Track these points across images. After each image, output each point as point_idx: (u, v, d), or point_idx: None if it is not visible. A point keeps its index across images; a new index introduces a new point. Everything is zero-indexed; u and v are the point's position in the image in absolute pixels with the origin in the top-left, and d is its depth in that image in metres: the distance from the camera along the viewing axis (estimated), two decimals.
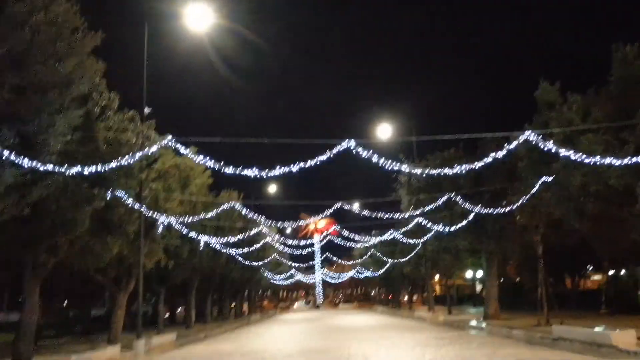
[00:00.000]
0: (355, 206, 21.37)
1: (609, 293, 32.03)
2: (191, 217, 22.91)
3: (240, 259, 39.26)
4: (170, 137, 14.49)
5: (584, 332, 16.25)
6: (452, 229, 26.53)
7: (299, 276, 78.78)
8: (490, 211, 25.52)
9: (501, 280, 56.43)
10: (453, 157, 28.43)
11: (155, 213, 21.46)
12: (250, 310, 67.25)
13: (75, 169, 12.80)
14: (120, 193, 17.62)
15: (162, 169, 23.31)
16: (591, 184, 15.63)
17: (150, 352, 21.03)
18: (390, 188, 33.66)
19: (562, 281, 46.40)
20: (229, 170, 13.85)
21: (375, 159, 13.61)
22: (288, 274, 68.43)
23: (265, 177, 13.78)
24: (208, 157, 14.08)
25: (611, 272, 51.74)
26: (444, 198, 23.72)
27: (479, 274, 65.91)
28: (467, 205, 26.55)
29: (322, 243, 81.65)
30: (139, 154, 15.10)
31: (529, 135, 14.51)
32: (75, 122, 12.61)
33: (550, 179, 17.96)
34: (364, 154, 13.34)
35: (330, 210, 20.84)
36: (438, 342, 18.73)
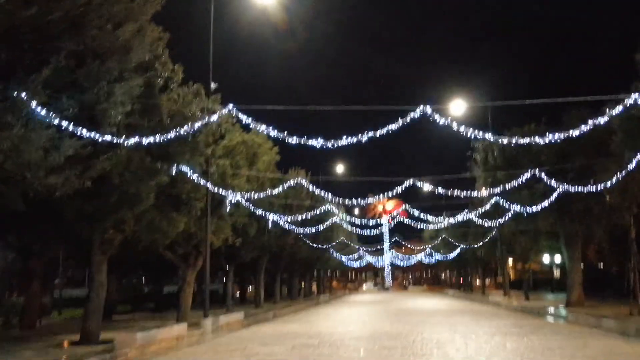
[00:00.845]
0: (426, 186, 20.01)
1: None
2: (259, 194, 22.33)
3: (308, 241, 38.82)
4: (231, 105, 13.80)
5: None
6: (533, 209, 24.69)
7: (368, 257, 77.96)
8: (575, 190, 23.61)
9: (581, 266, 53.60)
10: (534, 132, 26.45)
11: (222, 190, 21.08)
12: (319, 290, 67.16)
13: (133, 140, 12.33)
14: (185, 168, 17.25)
15: (229, 145, 22.90)
16: None
17: (218, 331, 20.80)
18: (464, 166, 32.01)
19: None
20: (293, 140, 13.02)
21: (453, 126, 12.34)
22: (357, 255, 67.72)
23: (332, 147, 12.82)
24: (271, 127, 13.22)
25: None
26: (527, 175, 21.93)
27: (557, 258, 63.10)
28: (551, 183, 24.73)
29: (391, 225, 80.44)
30: (198, 124, 14.47)
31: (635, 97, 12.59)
32: (135, 92, 12.12)
33: None
34: (441, 121, 12.13)
35: (401, 188, 19.67)
36: (519, 331, 17.37)
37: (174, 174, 17.21)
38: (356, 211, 58.16)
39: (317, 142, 12.99)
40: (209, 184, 19.39)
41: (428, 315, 26.61)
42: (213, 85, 19.98)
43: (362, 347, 14.13)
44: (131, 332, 15.31)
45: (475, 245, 43.38)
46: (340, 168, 46.68)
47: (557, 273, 70.84)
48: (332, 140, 12.83)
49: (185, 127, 13.83)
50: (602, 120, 14.89)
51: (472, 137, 13.03)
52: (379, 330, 18.67)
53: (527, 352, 12.53)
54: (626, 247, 37.12)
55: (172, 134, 13.19)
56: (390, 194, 19.92)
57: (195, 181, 18.59)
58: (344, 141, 12.69)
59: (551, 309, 26.68)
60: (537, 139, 16.83)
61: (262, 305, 36.28)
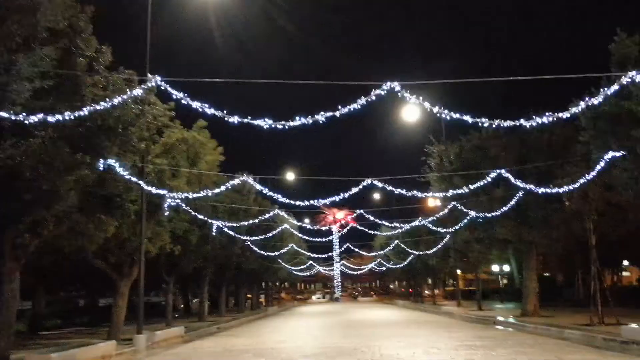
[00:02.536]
0: (384, 187, 18.57)
1: None
2: (200, 194, 20.32)
3: (256, 248, 36.85)
4: (158, 77, 11.94)
5: None
6: (493, 214, 23.66)
7: (318, 268, 76.37)
8: (537, 191, 22.73)
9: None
10: (491, 137, 25.57)
11: (160, 192, 19.05)
12: (267, 302, 65.02)
13: (36, 117, 10.29)
14: (115, 165, 15.22)
15: (167, 142, 20.91)
16: None
17: (153, 348, 18.70)
18: (419, 171, 30.82)
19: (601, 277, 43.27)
20: (234, 119, 11.23)
21: (422, 103, 10.86)
22: (306, 265, 65.98)
23: (283, 127, 11.02)
24: (207, 105, 11.29)
25: None
26: (486, 179, 20.83)
27: (505, 268, 63.22)
28: (515, 182, 23.83)
29: (340, 233, 79.15)
30: (118, 99, 12.52)
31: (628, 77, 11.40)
32: (45, 65, 10.15)
33: (619, 154, 15.08)
34: (408, 96, 10.63)
35: (355, 189, 18.12)
36: (483, 343, 16.04)
37: (101, 169, 15.17)
38: (306, 220, 56.65)
39: (263, 123, 11.20)
40: (143, 184, 17.34)
41: (382, 327, 25.14)
42: (151, 77, 18.00)
43: None
44: (44, 354, 13.09)
45: (428, 252, 42.34)
46: (290, 175, 45.01)
47: (503, 282, 71.27)
48: (283, 122, 11.04)
49: (104, 104, 11.68)
50: (566, 114, 13.70)
51: (438, 116, 11.46)
52: (332, 345, 17.01)
53: None
54: (574, 256, 37.19)
55: (81, 112, 11.02)
56: (346, 194, 18.34)
57: (128, 180, 16.57)
58: (297, 122, 10.95)
59: (509, 319, 25.71)
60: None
61: (206, 318, 34.06)
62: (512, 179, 19.79)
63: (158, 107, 16.94)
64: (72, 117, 11.05)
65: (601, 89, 12.53)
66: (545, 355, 13.03)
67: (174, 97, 11.61)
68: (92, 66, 13.71)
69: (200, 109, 11.24)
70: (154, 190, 18.20)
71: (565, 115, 12.83)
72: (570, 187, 18.50)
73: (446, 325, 24.67)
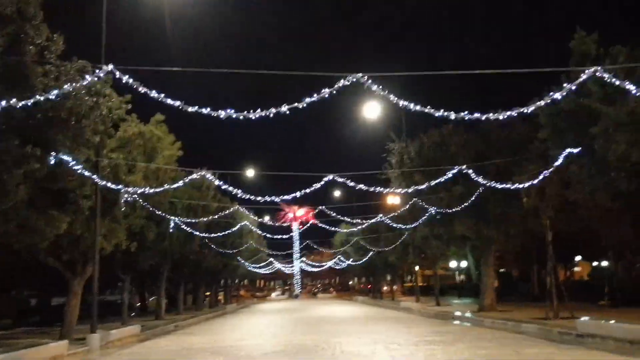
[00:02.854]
0: (345, 183, 18.43)
1: (612, 284, 29.82)
2: (157, 189, 19.76)
3: (214, 246, 36.31)
4: (111, 65, 11.47)
5: (618, 327, 13.80)
6: (453, 210, 23.87)
7: (278, 265, 76.08)
8: (494, 192, 23.05)
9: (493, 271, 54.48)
10: (452, 134, 25.80)
11: (115, 187, 18.45)
12: (226, 300, 64.32)
13: None
14: (67, 159, 14.64)
15: (123, 137, 20.32)
16: (634, 154, 13.03)
17: (107, 347, 18.14)
18: (380, 168, 30.88)
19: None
20: (192, 108, 10.84)
21: (386, 95, 10.68)
22: (266, 262, 65.63)
23: (245, 118, 10.64)
24: (163, 95, 10.86)
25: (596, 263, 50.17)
26: (446, 176, 20.98)
27: (462, 264, 64.29)
28: (477, 179, 24.11)
29: (300, 230, 79.13)
30: (68, 87, 12.00)
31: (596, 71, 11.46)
32: None
33: (575, 151, 15.36)
34: (375, 87, 10.46)
35: (317, 185, 17.93)
36: (443, 339, 16.13)
37: (52, 164, 14.57)
38: (266, 218, 56.24)
39: (223, 113, 10.83)
40: (97, 179, 16.76)
41: (342, 323, 25.09)
42: (106, 68, 17.39)
43: None
44: None
45: (387, 249, 42.58)
46: (250, 172, 44.51)
47: (459, 278, 72.47)
48: (244, 113, 10.66)
49: (55, 92, 11.13)
50: (525, 110, 13.77)
51: (402, 107, 11.33)
52: (293, 343, 16.82)
53: None
54: (530, 252, 37.99)
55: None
56: (307, 190, 18.11)
57: (81, 175, 15.98)
58: (257, 113, 10.61)
59: (467, 315, 26.05)
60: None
61: (163, 317, 33.37)
62: (473, 175, 19.94)
63: (113, 99, 16.37)
64: (18, 105, 10.46)
65: (562, 86, 12.65)
66: (504, 349, 13.15)
67: (129, 84, 11.10)
68: (43, 55, 13.12)
69: (157, 99, 10.79)
70: (109, 185, 17.61)
71: (524, 110, 12.91)
72: (529, 184, 18.76)
73: (405, 321, 24.80)
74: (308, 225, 60.67)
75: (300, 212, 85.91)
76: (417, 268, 63.79)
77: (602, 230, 26.08)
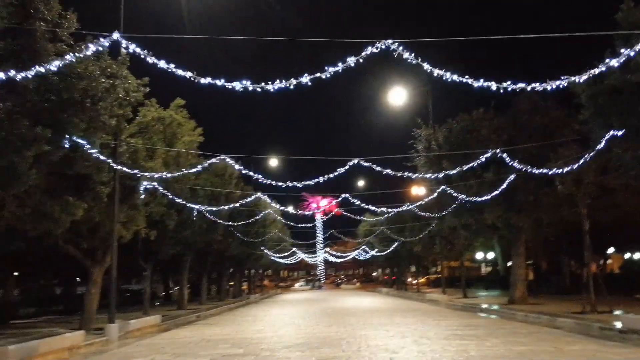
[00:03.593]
0: (371, 167, 17.54)
1: None
2: (177, 174, 19.14)
3: (238, 234, 35.80)
4: (117, 34, 10.77)
5: None
6: (484, 198, 22.85)
7: (301, 255, 75.64)
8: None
9: (509, 264, 53.10)
10: (482, 118, 24.75)
11: (134, 173, 17.94)
12: (249, 289, 64.14)
13: None
14: (82, 142, 14.12)
15: (143, 122, 19.78)
16: None
17: (126, 338, 17.69)
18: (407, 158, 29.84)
19: (583, 264, 42.75)
20: (205, 80, 10.08)
21: (419, 63, 9.69)
22: (290, 252, 65.15)
23: (260, 91, 9.92)
24: (174, 65, 10.10)
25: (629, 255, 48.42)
26: (484, 159, 19.93)
27: (489, 255, 62.99)
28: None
29: (324, 219, 78.45)
30: (70, 56, 11.36)
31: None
32: None
33: (620, 133, 14.26)
34: (407, 55, 9.54)
35: (342, 170, 17.08)
36: (475, 333, 15.27)
37: (67, 147, 14.05)
38: (290, 208, 55.64)
39: (239, 85, 10.05)
40: (114, 164, 16.22)
41: (367, 315, 24.33)
42: (123, 50, 16.80)
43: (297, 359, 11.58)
44: (0, 346, 12.00)
45: (413, 239, 41.57)
46: (273, 161, 43.85)
47: (485, 270, 71.10)
48: (262, 85, 9.85)
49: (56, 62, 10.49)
50: (581, 78, 12.55)
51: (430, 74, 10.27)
52: (316, 335, 16.13)
53: None
54: (560, 242, 36.66)
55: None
56: (332, 175, 17.30)
57: (98, 160, 15.47)
58: (278, 84, 9.75)
59: (496, 307, 25.11)
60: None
61: (185, 306, 33.04)
62: (507, 159, 18.92)
63: (130, 81, 15.77)
64: (18, 77, 9.85)
65: (607, 61, 11.59)
66: (542, 345, 12.26)
67: (137, 53, 10.40)
68: (55, 33, 12.55)
69: (167, 69, 10.04)
70: (127, 170, 17.08)
71: (576, 80, 11.72)
72: (567, 169, 17.68)
73: (432, 314, 23.94)
74: (331, 215, 60.06)
75: (324, 202, 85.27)
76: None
77: None
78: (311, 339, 14.99)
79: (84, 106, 13.74)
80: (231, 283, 58.15)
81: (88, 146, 14.26)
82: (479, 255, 64.97)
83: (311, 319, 23.39)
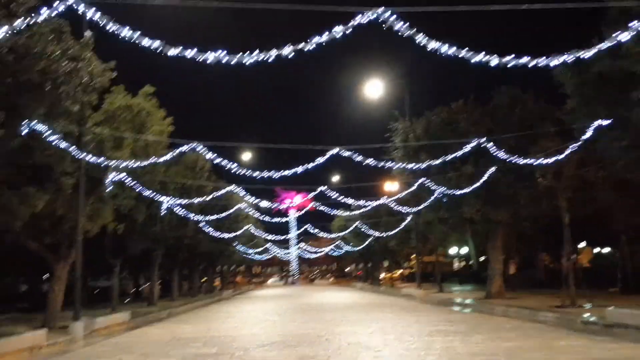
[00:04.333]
0: (350, 155, 16.80)
1: (624, 270, 28.54)
2: (145, 163, 18.14)
3: (209, 229, 34.81)
4: None
5: None
6: (462, 192, 22.45)
7: (275, 250, 74.83)
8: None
9: (481, 258, 53.24)
10: (461, 111, 24.34)
11: (100, 162, 16.95)
12: (222, 286, 63.09)
13: None
14: (41, 128, 13.15)
15: (109, 110, 18.78)
16: None
17: (92, 336, 16.75)
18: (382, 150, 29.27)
19: (557, 258, 42.92)
20: (173, 51, 9.11)
21: (413, 34, 8.94)
22: (262, 247, 64.28)
23: (240, 62, 9.00)
24: (138, 32, 9.14)
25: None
26: (465, 150, 19.45)
27: (462, 250, 63.13)
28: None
29: (297, 215, 77.67)
30: (20, 21, 10.38)
31: None
32: None
33: (606, 123, 13.88)
34: (399, 25, 8.76)
35: (321, 160, 16.35)
36: (457, 328, 14.78)
37: (24, 135, 13.08)
38: (264, 202, 54.72)
39: (212, 56, 9.10)
40: (77, 153, 15.25)
41: (344, 311, 23.74)
42: (88, 33, 15.77)
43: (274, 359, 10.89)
44: None
45: (390, 233, 41.14)
46: (247, 156, 42.92)
47: (458, 265, 71.32)
48: (240, 54, 8.96)
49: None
50: (585, 55, 11.91)
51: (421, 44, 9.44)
52: (293, 333, 15.43)
53: (488, 358, 9.81)
54: (532, 237, 36.59)
55: None
56: (309, 165, 16.55)
57: (60, 149, 14.49)
58: (256, 56, 8.84)
59: (474, 302, 24.80)
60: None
61: (156, 303, 32.02)
62: (492, 149, 18.47)
63: (94, 64, 14.78)
64: None
65: (595, 46, 11.11)
66: (530, 341, 11.79)
67: (95, 22, 9.48)
68: (9, 8, 11.56)
69: (130, 39, 9.11)
70: (92, 159, 16.11)
71: (583, 55, 11.00)
72: (553, 159, 17.31)
73: (410, 309, 23.48)
74: (305, 210, 59.43)
75: (298, 198, 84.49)
76: (414, 255, 62.99)
77: (617, 214, 24.66)
78: (288, 337, 14.30)
79: (43, 90, 12.75)
80: (203, 279, 57.06)
81: (48, 133, 13.27)
82: (452, 250, 65.11)
83: (286, 315, 22.70)
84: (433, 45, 9.08)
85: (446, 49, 9.06)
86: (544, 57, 10.36)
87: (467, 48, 9.21)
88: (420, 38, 8.94)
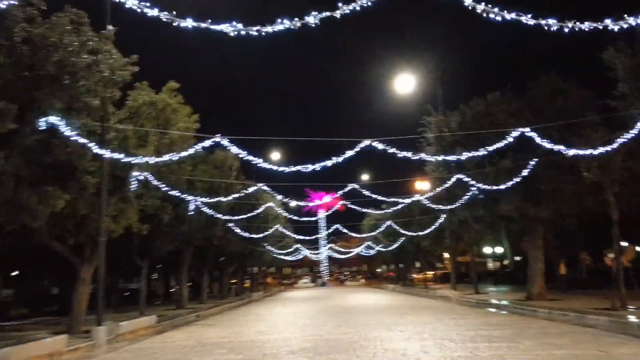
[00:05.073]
0: (383, 148, 15.71)
1: None
2: (170, 157, 17.42)
3: (238, 230, 34.18)
4: None
5: None
6: (499, 187, 21.26)
7: (304, 252, 74.07)
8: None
9: (517, 258, 51.51)
10: (498, 101, 23.13)
11: (124, 159, 16.37)
12: (252, 287, 62.62)
13: None
14: (58, 123, 12.56)
15: (133, 106, 18.22)
16: None
17: (116, 341, 16.19)
18: (415, 148, 28.12)
19: (599, 257, 41.06)
20: (185, 23, 8.27)
21: None
22: (292, 248, 63.58)
23: (259, 33, 8.18)
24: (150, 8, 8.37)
25: None
26: (502, 144, 18.32)
27: (497, 250, 61.45)
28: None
29: (327, 214, 76.76)
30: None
31: None
32: None
33: None
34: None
35: (352, 153, 15.36)
36: (501, 333, 13.70)
37: (43, 131, 12.53)
38: (292, 202, 54.01)
39: (229, 28, 8.12)
40: (99, 150, 14.67)
41: (377, 313, 22.78)
42: (110, 28, 15.21)
43: None
44: None
45: (421, 233, 39.92)
46: (275, 155, 42.21)
47: (492, 265, 69.47)
48: (258, 27, 8.05)
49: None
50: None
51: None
52: (324, 337, 14.56)
53: None
54: (571, 235, 34.95)
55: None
56: (340, 158, 15.60)
57: (79, 145, 13.92)
58: (279, 25, 7.95)
59: (513, 304, 23.54)
60: None
61: (185, 305, 31.54)
62: (537, 139, 17.25)
63: (115, 56, 14.18)
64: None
65: None
66: (584, 348, 10.69)
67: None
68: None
69: (139, 9, 8.30)
70: (114, 156, 15.52)
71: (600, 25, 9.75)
72: (599, 150, 16.06)
73: (447, 311, 22.37)
74: (334, 210, 58.59)
75: (327, 198, 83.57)
76: (446, 254, 61.43)
77: None
78: (319, 342, 13.45)
79: (62, 83, 12.19)
80: (234, 281, 56.66)
81: (67, 128, 12.69)
82: (486, 250, 63.51)
83: (317, 318, 21.84)
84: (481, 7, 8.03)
85: (504, 14, 7.98)
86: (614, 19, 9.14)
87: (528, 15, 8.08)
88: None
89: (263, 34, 7.76)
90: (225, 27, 7.93)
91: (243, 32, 7.86)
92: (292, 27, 7.81)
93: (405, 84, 30.05)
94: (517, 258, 55.66)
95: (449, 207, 28.56)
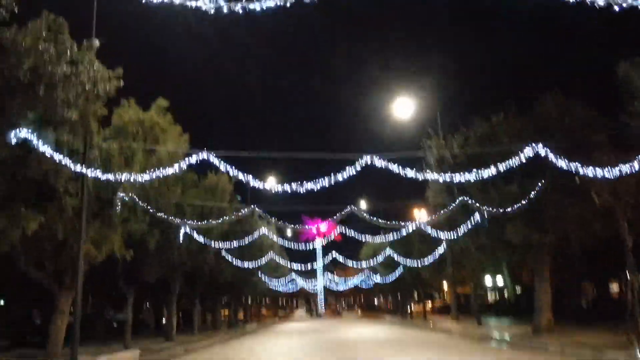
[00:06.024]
0: (383, 164, 14.72)
1: None
2: (157, 174, 16.26)
3: (229, 257, 32.88)
4: None
5: None
6: (506, 210, 20.21)
7: (300, 282, 72.55)
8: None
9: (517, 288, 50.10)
10: (502, 123, 22.21)
11: (107, 179, 15.28)
12: (245, 318, 60.84)
13: None
14: (30, 136, 11.51)
15: (119, 124, 17.21)
16: None
17: None
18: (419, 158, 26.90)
19: (606, 286, 39.67)
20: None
21: None
22: (288, 278, 62.13)
23: (244, 10, 7.21)
24: None
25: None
26: (506, 167, 17.35)
27: (497, 281, 60.07)
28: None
29: (323, 244, 75.51)
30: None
31: None
32: None
33: None
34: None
35: (354, 168, 14.32)
36: None
37: (15, 144, 11.47)
38: (289, 232, 52.85)
39: (208, 4, 7.22)
40: (77, 167, 13.58)
41: (377, 348, 21.41)
42: (96, 41, 14.28)
43: None
44: None
45: (423, 261, 38.64)
46: (271, 181, 41.15)
47: (492, 297, 67.98)
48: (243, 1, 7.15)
49: None
50: None
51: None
52: None
53: None
54: (572, 264, 33.70)
55: None
56: (339, 177, 14.55)
57: (56, 161, 12.85)
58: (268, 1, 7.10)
59: (520, 338, 22.24)
60: None
61: (174, 338, 29.98)
62: (551, 157, 16.27)
63: (96, 67, 13.19)
64: None
65: None
66: None
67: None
68: None
69: None
70: (96, 175, 14.44)
71: None
72: (624, 172, 15.04)
73: (452, 347, 21.02)
74: (331, 239, 57.55)
75: (323, 227, 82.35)
76: (445, 285, 60.02)
77: None
78: None
79: (36, 93, 11.17)
80: (226, 311, 55.04)
81: (39, 142, 11.64)
82: (487, 280, 62.14)
83: (314, 354, 20.38)
84: None
85: None
86: None
87: None
88: None
89: (248, 10, 6.84)
90: (204, 4, 6.96)
91: (225, 10, 6.91)
92: (282, 2, 6.88)
93: (404, 108, 29.34)
94: (518, 288, 54.30)
95: (451, 233, 27.37)
